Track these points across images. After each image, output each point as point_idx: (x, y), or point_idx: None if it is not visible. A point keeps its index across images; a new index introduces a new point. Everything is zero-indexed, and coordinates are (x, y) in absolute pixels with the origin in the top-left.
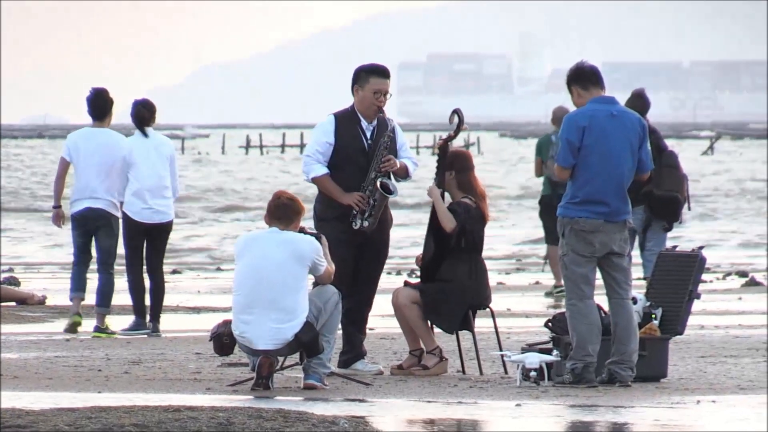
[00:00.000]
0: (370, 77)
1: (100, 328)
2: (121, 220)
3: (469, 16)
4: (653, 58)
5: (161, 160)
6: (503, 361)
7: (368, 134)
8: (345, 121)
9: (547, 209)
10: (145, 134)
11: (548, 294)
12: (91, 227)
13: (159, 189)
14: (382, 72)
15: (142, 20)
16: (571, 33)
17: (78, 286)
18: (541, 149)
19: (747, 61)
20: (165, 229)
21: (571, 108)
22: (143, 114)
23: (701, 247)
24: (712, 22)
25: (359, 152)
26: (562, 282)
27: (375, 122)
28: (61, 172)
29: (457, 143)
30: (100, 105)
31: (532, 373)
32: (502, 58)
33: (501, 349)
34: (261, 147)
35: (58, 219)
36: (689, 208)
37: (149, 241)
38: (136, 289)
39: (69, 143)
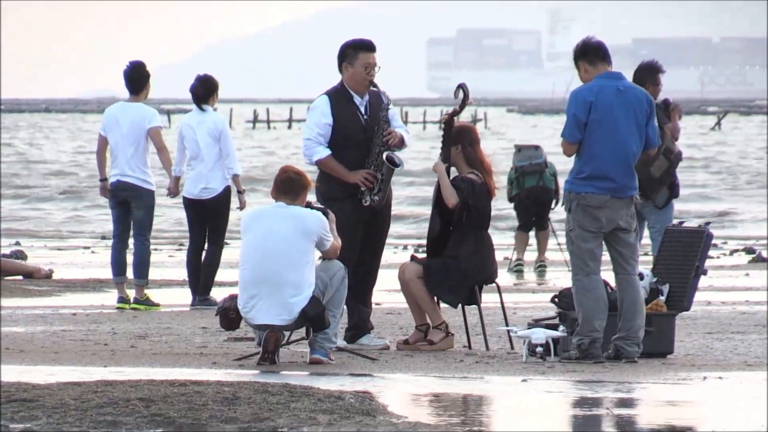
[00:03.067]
0: (358, 53)
1: (139, 300)
2: (154, 192)
3: None
4: (683, 34)
5: (207, 137)
6: (509, 337)
7: (362, 110)
8: (339, 99)
9: (525, 202)
10: (202, 110)
11: (510, 270)
12: (122, 199)
13: (201, 165)
14: (368, 46)
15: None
16: (600, 8)
17: (119, 270)
18: (512, 182)
19: None
20: (210, 204)
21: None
22: (197, 91)
23: (708, 223)
24: None
25: (357, 129)
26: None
27: (367, 97)
28: (99, 147)
29: (464, 118)
30: (135, 79)
31: (539, 349)
32: (532, 34)
33: (507, 325)
34: (268, 121)
35: (104, 191)
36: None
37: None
38: (188, 265)
39: (105, 118)
